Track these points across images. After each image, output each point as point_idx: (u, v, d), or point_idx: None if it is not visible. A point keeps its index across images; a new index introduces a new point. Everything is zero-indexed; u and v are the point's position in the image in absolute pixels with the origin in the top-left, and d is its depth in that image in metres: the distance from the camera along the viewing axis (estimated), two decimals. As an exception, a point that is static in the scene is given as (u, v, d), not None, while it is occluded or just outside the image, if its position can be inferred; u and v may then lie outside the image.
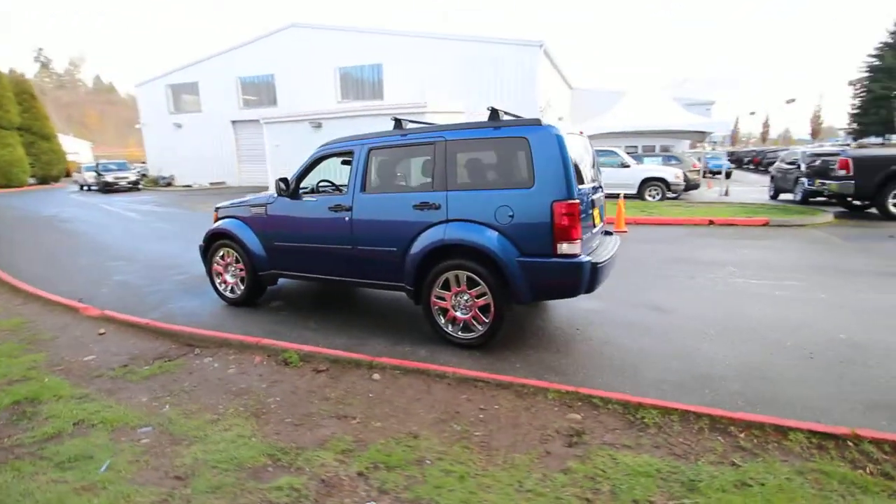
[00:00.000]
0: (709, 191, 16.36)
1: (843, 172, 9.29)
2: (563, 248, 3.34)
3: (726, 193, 15.07)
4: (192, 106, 24.46)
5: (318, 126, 18.04)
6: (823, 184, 9.90)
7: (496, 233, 3.49)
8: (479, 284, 3.60)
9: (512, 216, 3.44)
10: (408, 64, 19.91)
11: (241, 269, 4.89)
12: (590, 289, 3.45)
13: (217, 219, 5.20)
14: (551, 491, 1.97)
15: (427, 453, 2.25)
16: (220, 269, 5.07)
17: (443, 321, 3.81)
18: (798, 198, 12.51)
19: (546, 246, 3.38)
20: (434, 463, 2.15)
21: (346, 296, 5.38)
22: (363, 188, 4.05)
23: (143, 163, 27.35)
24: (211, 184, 23.99)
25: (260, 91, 23.15)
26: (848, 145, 25.91)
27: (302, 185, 4.59)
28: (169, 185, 24.12)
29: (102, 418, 2.63)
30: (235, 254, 4.88)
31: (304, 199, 4.47)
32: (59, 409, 2.75)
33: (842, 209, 10.62)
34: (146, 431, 2.51)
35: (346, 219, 4.10)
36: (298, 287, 5.72)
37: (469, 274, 3.62)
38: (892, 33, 43.73)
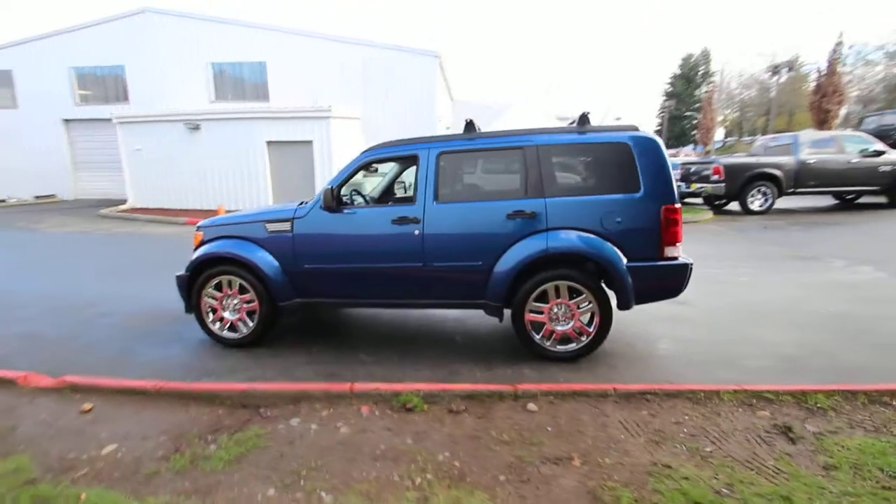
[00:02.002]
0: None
1: (716, 177, 11.37)
2: (669, 251, 3.42)
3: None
4: (2, 100, 19.02)
5: (196, 128, 15.67)
6: (701, 186, 11.97)
7: (604, 239, 3.41)
8: (580, 294, 3.48)
9: (620, 222, 3.39)
10: (296, 65, 18.46)
11: (251, 301, 3.92)
12: (685, 288, 3.59)
13: (202, 241, 4.10)
14: (855, 489, 1.98)
15: (708, 482, 2.06)
16: (214, 304, 4.00)
17: (538, 336, 3.58)
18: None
19: (653, 250, 3.42)
20: (733, 491, 1.99)
21: (369, 319, 4.70)
22: (436, 197, 3.59)
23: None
24: (36, 197, 18.96)
25: (105, 85, 19.08)
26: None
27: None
28: (-33, 200, 18.35)
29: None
30: (242, 282, 3.90)
31: (346, 211, 3.78)
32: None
33: (707, 207, 12.97)
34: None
35: (416, 232, 3.58)
36: (290, 316, 4.83)
37: (571, 284, 3.47)
38: (681, 66, 55.43)
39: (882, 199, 11.61)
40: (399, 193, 5.58)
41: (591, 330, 3.51)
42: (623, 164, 3.45)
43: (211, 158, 15.80)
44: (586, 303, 3.48)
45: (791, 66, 28.79)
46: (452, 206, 3.59)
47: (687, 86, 53.77)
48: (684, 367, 3.47)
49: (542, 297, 3.53)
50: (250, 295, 3.92)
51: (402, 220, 3.61)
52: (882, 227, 9.40)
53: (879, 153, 10.99)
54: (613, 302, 3.49)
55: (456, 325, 4.46)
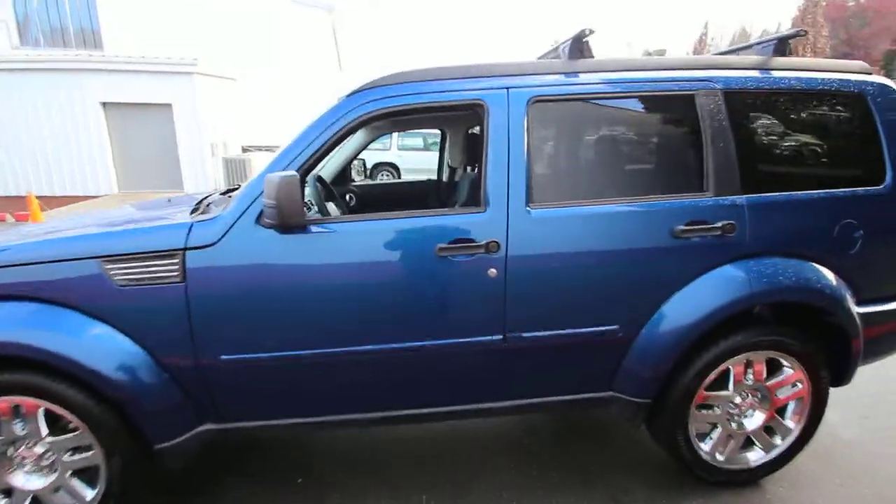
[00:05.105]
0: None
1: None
2: (914, 280, 2.01)
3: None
4: None
5: (-15, 82, 10.91)
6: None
7: (831, 270, 1.86)
8: (781, 367, 1.93)
9: (859, 237, 1.86)
10: (144, 6, 14.07)
11: (82, 449, 1.64)
12: None
13: None
14: None
15: None
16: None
17: (706, 448, 1.95)
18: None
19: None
20: None
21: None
22: (529, 196, 1.67)
23: None
24: None
25: None
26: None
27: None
28: None
29: None
30: (52, 407, 1.58)
31: (318, 229, 1.66)
32: None
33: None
34: None
35: (492, 271, 1.65)
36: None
37: (773, 354, 1.88)
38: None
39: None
40: (358, 179, 3.47)
41: (792, 426, 1.98)
42: (855, 130, 1.91)
43: (14, 124, 11.18)
44: (792, 383, 1.94)
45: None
46: (565, 216, 1.71)
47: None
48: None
49: (719, 380, 1.90)
50: (79, 434, 1.62)
51: (459, 248, 1.63)
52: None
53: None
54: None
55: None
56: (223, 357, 1.64)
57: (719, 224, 1.72)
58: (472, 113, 1.70)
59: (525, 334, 1.73)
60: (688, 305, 1.75)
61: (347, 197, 3.08)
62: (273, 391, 1.73)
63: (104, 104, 11.54)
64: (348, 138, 1.87)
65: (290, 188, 1.42)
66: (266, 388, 1.72)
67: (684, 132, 1.81)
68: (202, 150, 11.93)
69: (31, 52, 12.93)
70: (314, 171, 1.92)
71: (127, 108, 11.70)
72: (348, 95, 1.68)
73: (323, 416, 1.79)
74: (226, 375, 1.67)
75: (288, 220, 1.47)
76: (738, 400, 1.95)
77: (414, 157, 11.75)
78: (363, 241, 1.65)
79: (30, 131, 11.29)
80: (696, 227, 1.72)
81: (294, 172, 1.46)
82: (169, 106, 11.70)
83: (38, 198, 9.41)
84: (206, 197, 2.06)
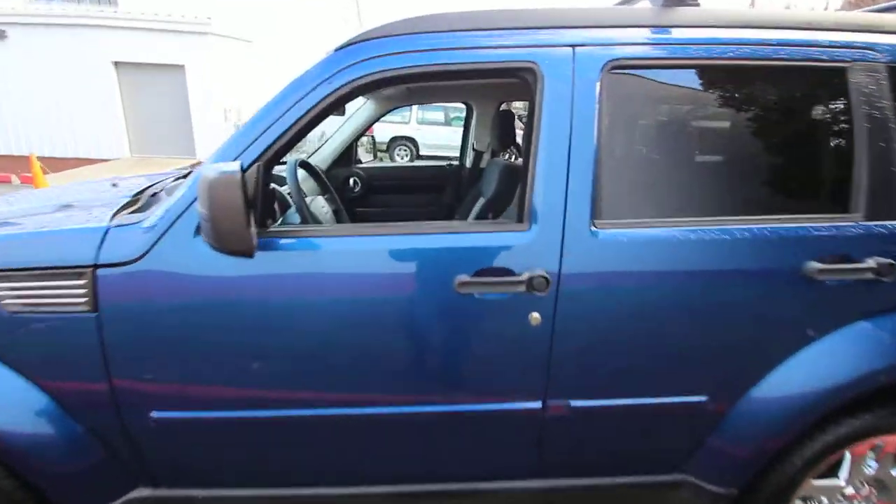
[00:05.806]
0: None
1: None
2: None
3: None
4: None
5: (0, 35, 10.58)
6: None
7: None
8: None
9: None
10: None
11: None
12: None
13: None
14: None
15: None
16: None
17: (806, 547, 1.47)
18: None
19: None
20: None
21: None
22: (595, 210, 1.14)
23: None
24: None
25: None
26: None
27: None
28: None
29: None
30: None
31: (288, 242, 1.16)
32: None
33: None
34: None
35: (535, 317, 1.14)
36: None
37: (910, 437, 1.36)
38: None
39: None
40: (366, 159, 2.97)
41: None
42: None
43: (24, 81, 10.85)
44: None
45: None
46: (647, 241, 1.17)
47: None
48: None
49: (833, 467, 1.40)
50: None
51: (489, 283, 1.12)
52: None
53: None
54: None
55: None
56: (154, 415, 1.19)
57: (870, 262, 1.17)
58: (520, 82, 1.15)
59: (574, 403, 1.23)
60: (814, 372, 1.23)
61: (351, 181, 2.59)
62: (223, 456, 1.29)
63: (116, 63, 11.12)
64: (344, 111, 1.36)
65: (227, 193, 0.91)
66: (213, 451, 1.27)
67: (826, 123, 1.24)
68: (215, 115, 11.47)
69: (44, 7, 12.50)
70: (296, 157, 1.41)
71: (139, 68, 11.26)
72: (337, 49, 1.15)
73: (294, 488, 1.34)
74: (158, 434, 1.23)
75: (223, 242, 0.97)
76: (849, 491, 1.44)
77: (435, 132, 11.07)
78: (351, 266, 1.14)
79: (40, 89, 10.96)
80: (836, 265, 1.17)
81: (235, 167, 0.95)
82: (182, 67, 11.22)
83: (46, 159, 9.14)
84: (154, 183, 1.57)
